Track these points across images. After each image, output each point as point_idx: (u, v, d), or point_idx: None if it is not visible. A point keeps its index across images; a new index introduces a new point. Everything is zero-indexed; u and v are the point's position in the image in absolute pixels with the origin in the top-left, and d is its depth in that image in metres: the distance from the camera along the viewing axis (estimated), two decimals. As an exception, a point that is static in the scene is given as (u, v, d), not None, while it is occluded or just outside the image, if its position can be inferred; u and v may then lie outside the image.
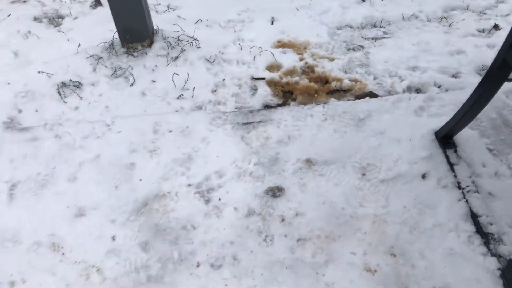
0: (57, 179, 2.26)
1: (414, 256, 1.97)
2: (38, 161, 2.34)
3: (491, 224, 2.00)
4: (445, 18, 3.60)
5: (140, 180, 2.26)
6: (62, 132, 2.46)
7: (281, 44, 3.36)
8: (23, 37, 3.55)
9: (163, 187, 2.23)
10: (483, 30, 3.36)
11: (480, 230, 2.00)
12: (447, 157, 2.22)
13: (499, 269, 1.89)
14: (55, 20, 3.80)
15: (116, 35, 3.17)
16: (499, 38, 3.17)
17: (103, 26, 3.55)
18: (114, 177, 2.27)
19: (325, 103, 2.59)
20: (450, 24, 3.51)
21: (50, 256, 2.02)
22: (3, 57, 3.29)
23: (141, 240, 2.05)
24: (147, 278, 1.96)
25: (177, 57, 3.12)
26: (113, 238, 2.06)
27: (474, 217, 2.03)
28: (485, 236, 1.97)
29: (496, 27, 3.38)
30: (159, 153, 2.35)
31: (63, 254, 2.02)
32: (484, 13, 3.59)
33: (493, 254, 1.93)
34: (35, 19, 3.83)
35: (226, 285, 1.91)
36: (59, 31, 3.63)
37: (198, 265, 1.98)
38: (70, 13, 3.85)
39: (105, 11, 3.71)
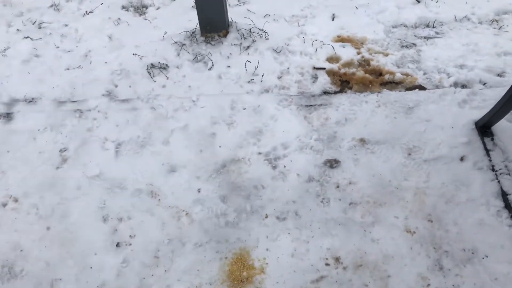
0: (154, 141, 2.79)
1: (448, 223, 2.36)
2: (137, 126, 2.88)
3: (519, 201, 2.35)
4: (496, 21, 3.87)
5: (220, 146, 2.75)
6: (156, 104, 2.99)
7: (340, 39, 3.76)
8: (114, 23, 4.10)
9: (238, 153, 2.71)
10: (532, 34, 3.63)
11: (508, 206, 2.36)
12: (484, 143, 2.58)
13: None
14: (140, 9, 4.35)
15: (198, 25, 3.67)
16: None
17: (182, 16, 4.05)
18: (199, 142, 2.77)
19: (378, 92, 2.99)
20: (501, 27, 3.78)
21: (148, 201, 2.54)
22: (100, 40, 3.85)
23: (221, 194, 2.55)
24: (225, 223, 2.44)
25: (248, 47, 3.59)
26: (199, 191, 2.57)
27: (504, 195, 2.39)
28: (512, 211, 2.33)
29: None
30: (235, 126, 2.83)
31: (159, 200, 2.55)
32: (535, 18, 3.84)
33: None
34: (123, 7, 4.39)
35: (289, 233, 2.38)
36: (145, 19, 4.17)
37: (266, 217, 2.45)
38: (153, 3, 4.38)
39: (183, 2, 4.21)
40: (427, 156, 2.58)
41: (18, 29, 4.12)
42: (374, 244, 2.28)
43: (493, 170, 2.47)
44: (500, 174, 2.44)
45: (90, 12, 4.07)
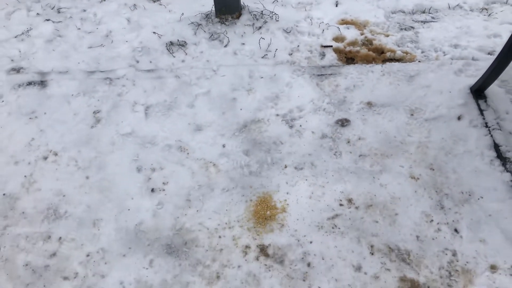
0: (179, 105, 3.07)
1: (448, 171, 2.67)
2: (164, 92, 3.16)
3: (509, 152, 2.67)
4: (486, 9, 4.23)
5: (241, 109, 3.04)
6: (180, 73, 3.28)
7: (344, 22, 4.09)
8: (130, 8, 4.38)
9: (258, 115, 3.01)
10: (518, 18, 3.98)
11: (500, 155, 2.67)
12: (478, 105, 2.90)
13: (511, 181, 2.56)
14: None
15: (213, 8, 3.97)
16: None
17: (196, 2, 4.35)
18: (221, 106, 3.06)
19: (382, 64, 3.31)
20: (490, 14, 4.14)
21: (178, 154, 2.82)
22: (119, 23, 4.13)
23: (244, 148, 2.83)
24: (249, 172, 2.73)
25: (260, 27, 3.89)
26: (224, 146, 2.85)
27: (496, 146, 2.71)
28: (504, 160, 2.65)
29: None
30: (254, 92, 3.13)
31: (188, 153, 2.83)
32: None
33: (508, 171, 2.60)
34: (138, -5, 4.67)
35: (306, 180, 2.67)
36: (160, 4, 4.46)
37: (285, 167, 2.74)
38: (166, -9, 4.66)
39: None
40: (428, 116, 2.90)
41: (38, 13, 4.37)
42: (383, 188, 2.58)
43: (486, 126, 2.78)
44: (493, 129, 2.75)
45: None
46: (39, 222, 2.51)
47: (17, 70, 3.46)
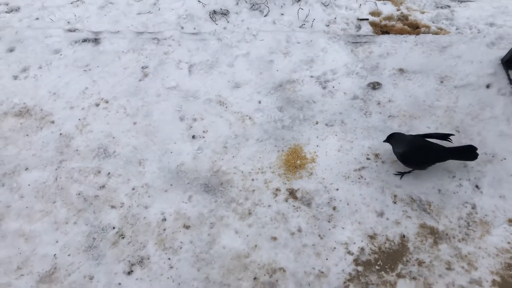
0: (220, 64, 3.30)
1: (473, 134, 2.79)
2: (206, 52, 3.39)
3: (535, 118, 2.77)
4: (525, -10, 4.26)
5: (277, 70, 3.23)
6: (222, 36, 3.50)
7: (381, -2, 4.21)
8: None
9: (293, 76, 3.19)
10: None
11: None
12: (508, 74, 3.00)
13: None
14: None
15: (255, -20, 4.16)
16: None
17: (239, -24, 4.54)
18: (259, 67, 3.26)
19: (416, 35, 3.44)
20: (529, -5, 4.17)
21: (218, 108, 3.04)
22: (165, -8, 4.36)
23: (278, 105, 3.03)
24: (282, 126, 2.93)
25: (299, 0, 4.07)
26: (259, 102, 3.06)
27: None
28: (529, 125, 2.75)
29: None
30: (290, 55, 3.31)
31: (226, 107, 3.05)
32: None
33: None
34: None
35: (336, 135, 2.84)
36: (205, -22, 4.67)
37: (316, 123, 2.92)
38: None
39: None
40: (457, 83, 3.02)
41: (92, -17, 4.65)
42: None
43: (514, 95, 2.89)
44: (521, 98, 2.86)
45: None
46: (90, 159, 2.78)
47: (73, 31, 3.76)
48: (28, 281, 2.32)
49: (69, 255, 2.40)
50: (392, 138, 2.48)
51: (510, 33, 3.37)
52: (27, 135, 2.92)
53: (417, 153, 2.38)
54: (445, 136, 2.48)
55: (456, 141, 2.70)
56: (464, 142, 2.70)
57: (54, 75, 3.26)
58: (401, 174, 2.56)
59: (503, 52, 3.11)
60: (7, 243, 2.46)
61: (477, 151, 2.44)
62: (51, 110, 3.05)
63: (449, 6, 3.99)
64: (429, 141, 2.46)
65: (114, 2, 4.32)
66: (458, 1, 4.10)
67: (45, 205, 2.59)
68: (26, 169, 2.75)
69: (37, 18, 4.06)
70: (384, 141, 2.52)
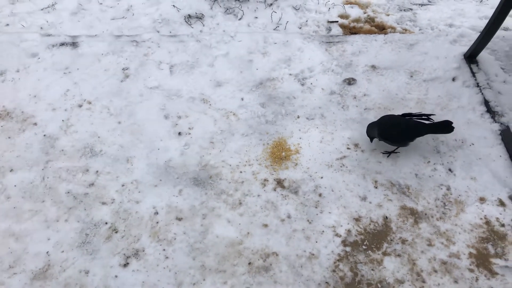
0: (201, 64, 3.39)
1: None
2: (186, 53, 3.48)
3: (497, 106, 3.02)
4: (479, -6, 4.59)
5: (257, 69, 3.36)
6: (200, 38, 3.60)
7: (348, 2, 4.44)
8: (148, -12, 4.67)
9: (272, 74, 3.33)
10: None
11: (489, 110, 3.02)
12: (471, 68, 3.25)
13: (499, 130, 2.91)
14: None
15: (228, -15, 4.29)
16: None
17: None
18: (239, 66, 3.38)
19: (385, 35, 3.66)
20: (481, 1, 4.51)
21: (202, 105, 3.14)
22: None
23: (260, 102, 3.15)
24: (265, 121, 3.05)
25: (271, 4, 4.23)
26: (242, 99, 3.17)
27: (486, 102, 3.05)
28: (493, 113, 2.99)
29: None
30: (269, 55, 3.45)
31: (210, 104, 3.14)
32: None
33: (496, 122, 2.94)
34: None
35: (317, 127, 2.99)
36: (177, -15, 4.76)
37: (298, 117, 3.06)
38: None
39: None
40: (426, 77, 3.24)
41: (61, -9, 4.65)
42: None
43: (477, 86, 3.13)
44: (483, 88, 3.10)
45: None
46: (77, 158, 2.80)
47: (49, 35, 3.75)
48: (22, 279, 2.32)
49: (63, 251, 2.41)
50: (372, 126, 2.65)
51: (468, 32, 3.63)
52: (9, 137, 2.91)
53: (397, 130, 2.56)
54: (426, 116, 2.67)
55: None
56: (436, 130, 2.90)
57: (33, 78, 3.26)
58: (388, 153, 2.73)
59: (465, 48, 3.36)
60: (-3, 243, 2.44)
61: (453, 125, 2.63)
62: (32, 112, 3.05)
63: (411, 9, 4.26)
64: (408, 119, 2.64)
65: (87, 8, 4.34)
66: (419, 4, 4.37)
67: (34, 204, 2.59)
68: (11, 170, 2.74)
69: (7, 24, 4.03)
70: (369, 133, 2.68)
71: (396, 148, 2.74)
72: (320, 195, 2.61)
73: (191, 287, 2.28)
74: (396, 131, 2.62)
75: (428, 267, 2.33)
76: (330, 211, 2.54)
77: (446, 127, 2.64)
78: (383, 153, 2.75)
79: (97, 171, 2.73)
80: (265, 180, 2.68)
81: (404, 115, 2.71)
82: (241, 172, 2.71)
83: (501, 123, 2.89)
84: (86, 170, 2.74)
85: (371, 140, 2.73)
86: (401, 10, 4.31)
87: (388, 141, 2.67)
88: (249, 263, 2.34)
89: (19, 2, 4.36)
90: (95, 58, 3.40)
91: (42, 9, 4.31)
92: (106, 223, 2.51)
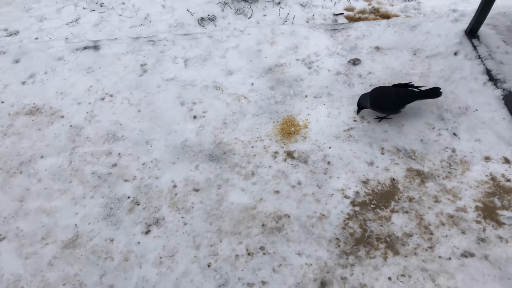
0: (213, 56, 3.61)
1: (446, 92, 3.11)
2: (199, 48, 3.71)
3: (499, 74, 3.12)
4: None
5: (265, 57, 3.56)
6: (212, 34, 3.83)
7: (353, -3, 4.62)
8: (163, 0, 4.99)
9: (280, 60, 3.52)
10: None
11: (492, 78, 3.11)
12: (472, 42, 3.36)
13: (502, 95, 3.00)
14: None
15: (237, -11, 4.55)
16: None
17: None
18: (248, 55, 3.59)
19: (388, 19, 3.82)
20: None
21: (214, 92, 3.34)
22: (155, 9, 4.71)
23: (269, 85, 3.34)
24: (275, 102, 3.22)
25: (279, 3, 4.45)
26: (252, 84, 3.36)
27: (488, 72, 3.15)
28: (495, 81, 3.09)
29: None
30: (276, 44, 3.65)
31: (222, 90, 3.34)
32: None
33: (498, 88, 3.04)
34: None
35: (324, 104, 3.14)
36: (190, -6, 5.06)
37: (306, 96, 3.23)
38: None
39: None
40: (429, 53, 3.37)
41: (84, 8, 5.02)
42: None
43: (479, 58, 3.24)
44: (485, 59, 3.21)
45: None
46: (101, 144, 3.03)
47: (72, 42, 4.06)
48: (53, 249, 2.51)
49: (89, 223, 2.60)
50: (365, 97, 2.78)
51: (469, 12, 3.75)
52: (39, 130, 3.16)
53: (389, 100, 2.69)
54: (416, 87, 2.80)
55: (432, 99, 3.01)
56: (440, 99, 3.02)
57: (60, 78, 3.53)
58: (380, 118, 2.86)
59: (465, 26, 3.48)
60: (30, 219, 2.65)
61: (441, 90, 2.75)
62: (60, 107, 3.30)
63: (415, 0, 4.41)
64: (398, 89, 2.77)
65: (107, 20, 4.65)
66: (423, -6, 4.51)
67: (62, 185, 2.81)
68: (42, 157, 2.98)
69: (36, 38, 4.37)
70: (359, 107, 2.82)
71: (387, 115, 2.86)
72: (328, 163, 2.74)
73: (209, 248, 2.42)
74: (388, 101, 2.75)
75: (436, 221, 2.42)
76: (339, 176, 2.66)
77: (435, 93, 2.76)
78: (374, 118, 2.87)
79: (119, 154, 2.94)
80: (276, 152, 2.83)
81: (395, 85, 2.84)
82: (252, 147, 2.88)
83: (504, 89, 2.98)
84: (109, 153, 2.95)
85: (358, 112, 2.85)
86: (405, 1, 4.47)
87: (380, 110, 2.80)
88: (263, 225, 2.48)
89: (46, 19, 4.70)
90: (115, 57, 3.66)
91: (67, 24, 4.64)
92: (129, 197, 2.69)
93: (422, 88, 2.90)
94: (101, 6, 4.98)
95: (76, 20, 4.69)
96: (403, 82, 3.13)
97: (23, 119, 3.22)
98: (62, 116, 3.22)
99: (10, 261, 2.45)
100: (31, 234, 2.57)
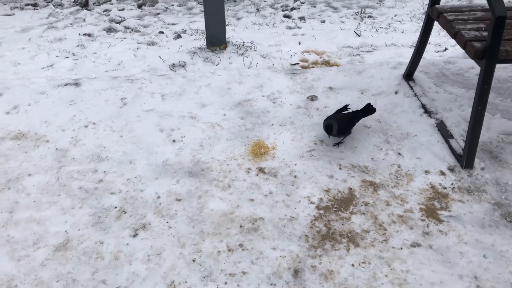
0: (187, 92, 4.07)
1: (391, 122, 3.70)
2: (174, 86, 4.16)
3: (432, 108, 3.77)
4: (413, 46, 5.57)
5: (235, 94, 4.06)
6: (186, 75, 4.32)
7: (306, 51, 5.33)
8: (134, 51, 5.47)
9: (248, 96, 4.03)
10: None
11: (426, 111, 3.75)
12: (409, 84, 4.04)
13: (435, 123, 3.63)
14: (152, 44, 5.79)
15: (205, 42, 5.14)
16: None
17: (187, 45, 5.51)
18: (220, 92, 4.07)
19: (338, 66, 4.48)
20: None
21: (191, 120, 3.76)
22: (127, 57, 5.16)
23: (240, 116, 3.80)
24: (245, 129, 3.67)
25: (243, 53, 5.05)
26: (224, 114, 3.82)
27: (423, 106, 3.80)
28: (429, 112, 3.72)
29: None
30: (244, 83, 4.17)
31: (197, 120, 3.77)
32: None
33: (432, 118, 3.67)
34: (138, 42, 5.81)
35: (289, 130, 3.63)
36: (159, 46, 5.60)
37: (272, 125, 3.71)
38: (161, 41, 5.85)
39: (185, 40, 5.66)
40: (374, 92, 4.00)
41: (57, 56, 5.41)
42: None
43: (415, 95, 3.90)
44: (420, 97, 3.87)
45: (112, 46, 5.43)
46: (86, 163, 3.31)
47: (53, 80, 4.38)
48: (45, 252, 2.71)
49: (79, 229, 2.83)
50: (330, 125, 3.30)
51: (405, 61, 4.49)
52: (25, 152, 3.41)
53: (343, 123, 3.24)
54: (346, 107, 3.45)
55: (379, 127, 3.59)
56: (385, 127, 3.59)
57: (44, 109, 3.83)
58: (337, 144, 3.36)
59: (403, 71, 4.18)
60: (21, 227, 2.85)
61: (374, 107, 3.52)
62: (44, 133, 3.58)
63: (359, 54, 5.16)
64: (342, 113, 3.43)
65: (82, 65, 5.05)
66: (366, 51, 5.29)
67: (51, 197, 3.04)
68: (29, 175, 3.21)
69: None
70: (329, 133, 3.32)
71: (343, 138, 3.39)
72: (295, 176, 3.17)
73: (193, 246, 2.72)
74: (345, 125, 3.30)
75: (388, 220, 2.87)
76: (305, 187, 3.09)
77: (370, 109, 3.50)
78: (333, 145, 3.38)
79: (104, 171, 3.23)
80: (249, 169, 3.24)
81: (338, 111, 3.46)
82: (228, 164, 3.27)
83: (436, 119, 3.61)
84: (95, 170, 3.23)
85: (330, 135, 3.36)
86: (350, 55, 5.21)
87: (341, 135, 3.33)
88: (240, 226, 2.83)
89: (20, 65, 5.02)
90: (96, 92, 4.03)
91: (42, 68, 4.98)
92: (116, 207, 2.97)
93: (360, 108, 3.48)
94: (74, 55, 5.37)
95: (51, 65, 5.03)
96: (347, 110, 3.68)
97: (8, 143, 3.45)
98: (48, 141, 3.48)
99: (3, 263, 2.61)
100: (23, 240, 2.76)
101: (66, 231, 2.80)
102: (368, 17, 6.32)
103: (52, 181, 3.13)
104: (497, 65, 2.84)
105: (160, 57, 4.84)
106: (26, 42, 5.44)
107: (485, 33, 2.98)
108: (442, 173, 3.17)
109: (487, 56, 2.79)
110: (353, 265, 2.60)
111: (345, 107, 3.61)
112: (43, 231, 2.80)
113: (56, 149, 3.40)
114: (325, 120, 3.33)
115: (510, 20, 3.13)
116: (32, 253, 2.67)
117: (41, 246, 2.72)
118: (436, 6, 3.52)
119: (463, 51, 3.11)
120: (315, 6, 6.84)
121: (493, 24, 2.66)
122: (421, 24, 5.62)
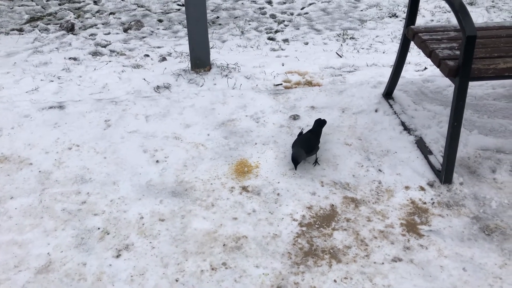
0: (171, 113, 4.12)
1: (371, 140, 3.78)
2: (158, 107, 4.21)
3: (411, 125, 3.86)
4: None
5: (219, 114, 4.12)
6: (170, 96, 4.37)
7: (289, 72, 5.43)
8: (119, 73, 5.53)
9: (232, 116, 4.09)
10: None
11: (406, 128, 3.84)
12: (388, 102, 4.14)
13: (414, 140, 3.71)
14: (137, 66, 5.86)
15: (189, 64, 5.22)
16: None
17: (172, 67, 5.58)
18: (204, 113, 4.13)
19: (319, 86, 4.57)
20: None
21: (174, 141, 3.79)
22: (112, 80, 5.20)
23: (224, 135, 3.85)
24: (229, 148, 3.72)
25: (227, 75, 5.13)
26: (208, 134, 3.87)
27: (403, 123, 3.89)
28: (408, 130, 3.81)
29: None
30: (228, 103, 4.24)
31: (181, 140, 3.81)
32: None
33: (411, 135, 3.76)
34: (123, 65, 5.87)
35: (272, 149, 3.69)
36: (144, 68, 5.67)
37: (255, 144, 3.76)
38: (146, 63, 5.93)
39: (170, 62, 5.73)
40: (354, 111, 4.09)
41: (41, 79, 5.44)
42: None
43: (395, 113, 4.00)
44: (400, 114, 3.96)
45: (97, 69, 5.48)
46: (70, 185, 3.32)
47: (37, 103, 4.40)
48: (26, 274, 2.69)
49: (62, 251, 2.83)
50: (299, 151, 3.36)
51: (385, 80, 4.60)
52: (8, 175, 3.41)
53: (313, 142, 3.43)
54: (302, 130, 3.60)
55: (360, 145, 3.65)
56: (366, 145, 3.66)
57: (27, 132, 3.85)
58: (315, 163, 3.42)
59: (382, 90, 4.29)
60: (2, 250, 2.84)
61: (322, 119, 3.69)
62: (28, 155, 3.59)
63: (341, 75, 5.28)
64: (305, 133, 3.55)
65: (67, 89, 5.07)
66: (347, 71, 5.41)
67: (34, 220, 3.04)
68: (11, 198, 3.21)
69: (-2, 103, 4.65)
70: (299, 158, 3.38)
71: (316, 157, 3.47)
72: (278, 194, 3.21)
73: (176, 266, 2.73)
74: (311, 143, 3.37)
75: (369, 235, 2.91)
76: (287, 204, 3.13)
77: (322, 122, 3.67)
78: (313, 164, 3.44)
79: (88, 193, 3.24)
80: (232, 187, 3.27)
81: (299, 135, 3.62)
82: (211, 184, 3.30)
83: (415, 136, 3.70)
84: (78, 192, 3.24)
85: (296, 167, 3.40)
86: (332, 76, 5.32)
87: (312, 153, 3.40)
88: (224, 245, 2.84)
89: (5, 89, 5.03)
90: (81, 115, 4.06)
91: (27, 92, 5.00)
92: (99, 228, 2.97)
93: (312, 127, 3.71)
94: (59, 78, 5.41)
95: (36, 89, 5.05)
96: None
97: (-9, 167, 3.45)
98: (31, 163, 3.49)
99: (-17, 287, 2.59)
100: (3, 263, 2.74)
101: (48, 253, 2.79)
102: (350, 38, 6.45)
103: (35, 203, 3.12)
104: (473, 83, 2.93)
105: (144, 79, 4.88)
106: (11, 66, 5.45)
107: (457, 52, 3.09)
108: (422, 189, 3.23)
109: (460, 74, 2.89)
110: (335, 281, 2.62)
111: (301, 133, 3.71)
112: (24, 254, 2.79)
113: (40, 171, 3.40)
114: (295, 151, 3.41)
115: (482, 40, 3.25)
116: (13, 276, 2.65)
117: (22, 269, 2.70)
118: (412, 26, 3.64)
119: (440, 70, 3.21)
120: (298, 29, 6.96)
121: (464, 44, 2.76)
122: (400, 44, 5.75)
